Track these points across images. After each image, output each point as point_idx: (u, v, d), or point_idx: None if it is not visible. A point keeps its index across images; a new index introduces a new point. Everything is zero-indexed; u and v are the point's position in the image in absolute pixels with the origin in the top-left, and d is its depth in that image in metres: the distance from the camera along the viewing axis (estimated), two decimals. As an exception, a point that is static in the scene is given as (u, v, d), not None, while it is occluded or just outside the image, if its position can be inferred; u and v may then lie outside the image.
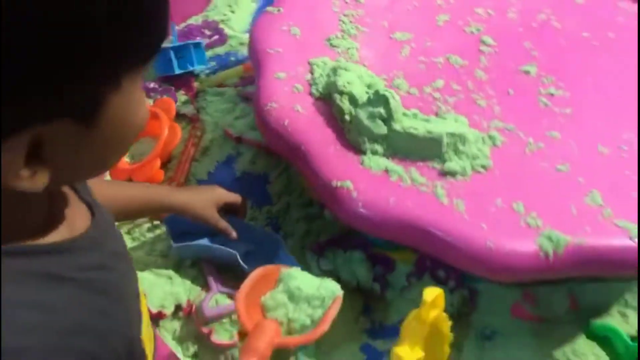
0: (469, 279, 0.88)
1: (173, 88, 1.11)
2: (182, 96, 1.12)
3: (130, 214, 0.83)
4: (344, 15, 1.03)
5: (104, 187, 0.74)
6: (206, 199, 0.83)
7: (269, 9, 1.03)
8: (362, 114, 0.83)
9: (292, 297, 0.71)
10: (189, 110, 1.10)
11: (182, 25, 1.26)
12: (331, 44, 0.98)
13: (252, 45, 0.97)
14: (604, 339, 0.86)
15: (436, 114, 0.89)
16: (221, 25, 1.27)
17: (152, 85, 1.12)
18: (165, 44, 1.19)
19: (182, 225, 0.87)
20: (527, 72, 0.97)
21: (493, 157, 0.85)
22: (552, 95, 0.94)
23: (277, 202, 0.99)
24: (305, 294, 0.71)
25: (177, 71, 1.12)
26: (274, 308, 0.72)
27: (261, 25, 0.99)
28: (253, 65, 0.97)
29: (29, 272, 0.38)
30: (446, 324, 0.72)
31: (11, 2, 0.30)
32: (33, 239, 0.40)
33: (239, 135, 1.05)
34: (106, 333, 0.41)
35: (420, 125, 0.83)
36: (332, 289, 0.72)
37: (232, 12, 1.33)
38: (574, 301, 0.90)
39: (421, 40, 1.00)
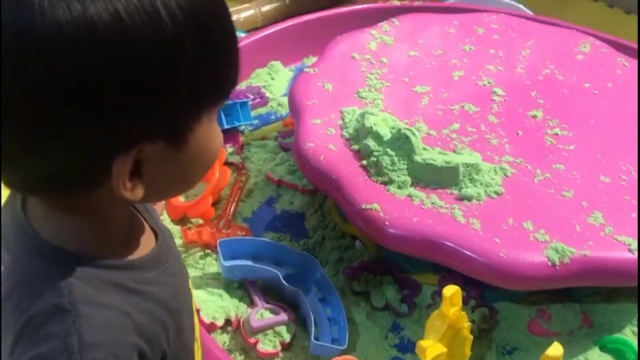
0: (488, 297, 0.97)
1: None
2: (229, 148, 1.26)
3: None
4: (370, 73, 1.18)
5: None
6: None
7: (306, 69, 1.19)
8: (387, 150, 0.96)
9: None
10: (235, 159, 1.25)
11: (229, 90, 1.43)
12: (359, 96, 1.12)
13: (293, 98, 1.12)
14: (616, 352, 0.93)
15: (453, 151, 1.01)
16: (263, 90, 1.44)
17: (203, 138, 1.27)
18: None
19: (231, 250, 0.99)
20: (534, 117, 1.10)
21: (504, 185, 0.96)
22: (557, 134, 1.06)
23: (313, 236, 1.11)
24: None
25: (226, 126, 1.28)
26: None
27: (300, 83, 1.15)
28: (293, 115, 1.12)
29: (105, 280, 0.48)
30: (466, 324, 0.81)
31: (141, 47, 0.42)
32: (111, 255, 0.50)
33: (279, 179, 1.19)
34: (157, 336, 0.51)
35: (439, 157, 0.95)
36: None
37: (272, 79, 1.50)
38: (587, 319, 0.97)
39: (438, 92, 1.14)
